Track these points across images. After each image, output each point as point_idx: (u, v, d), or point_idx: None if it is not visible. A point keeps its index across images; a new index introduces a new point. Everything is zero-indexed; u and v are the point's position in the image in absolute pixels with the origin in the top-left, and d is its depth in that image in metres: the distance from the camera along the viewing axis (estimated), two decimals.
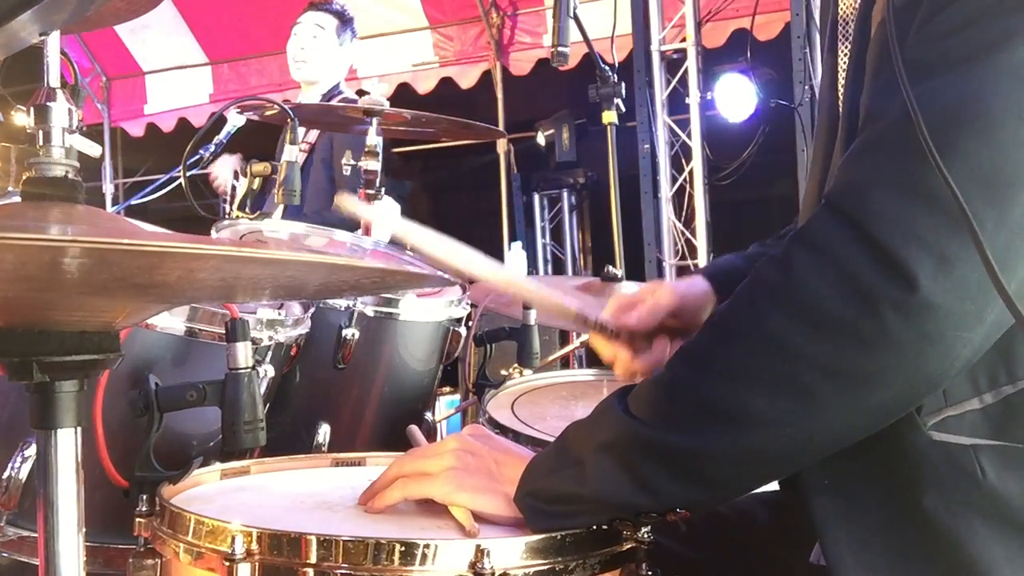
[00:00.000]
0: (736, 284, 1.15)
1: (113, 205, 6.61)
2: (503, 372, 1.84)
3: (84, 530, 0.80)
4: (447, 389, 3.67)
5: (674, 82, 5.34)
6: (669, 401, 0.86)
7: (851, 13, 1.00)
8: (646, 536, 0.88)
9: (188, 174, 2.17)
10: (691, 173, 5.28)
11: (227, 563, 0.81)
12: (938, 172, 0.71)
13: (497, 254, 6.50)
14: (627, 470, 0.86)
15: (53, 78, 0.80)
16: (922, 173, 0.74)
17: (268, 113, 2.33)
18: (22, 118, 0.81)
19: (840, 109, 0.98)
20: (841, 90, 0.99)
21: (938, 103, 0.76)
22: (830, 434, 0.83)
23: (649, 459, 0.86)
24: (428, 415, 2.06)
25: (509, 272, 1.16)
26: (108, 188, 7.74)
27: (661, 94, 5.34)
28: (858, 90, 0.92)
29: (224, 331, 1.16)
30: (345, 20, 3.64)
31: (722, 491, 0.90)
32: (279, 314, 1.54)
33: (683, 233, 5.33)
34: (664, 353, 1.16)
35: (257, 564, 0.82)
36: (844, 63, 1.00)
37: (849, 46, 0.98)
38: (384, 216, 3.36)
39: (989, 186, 0.75)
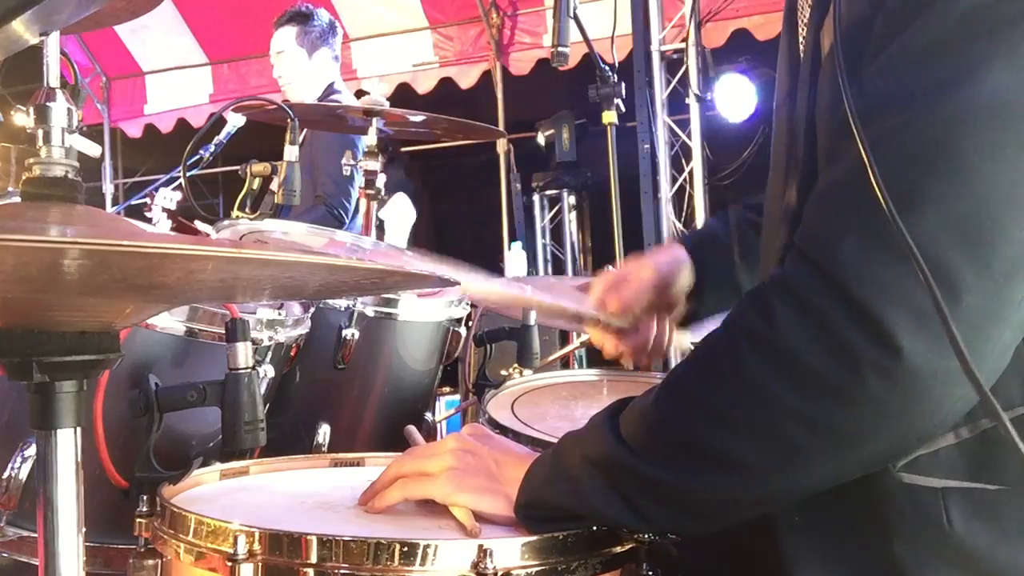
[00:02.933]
0: (712, 251, 1.17)
1: (113, 205, 6.61)
2: (503, 372, 1.84)
3: (84, 530, 0.80)
4: (447, 389, 3.67)
5: (674, 82, 5.34)
6: (655, 435, 0.85)
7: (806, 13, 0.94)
8: (646, 536, 0.88)
9: (188, 174, 2.17)
10: (691, 173, 5.29)
11: (229, 563, 0.81)
12: (896, 229, 0.67)
13: (497, 254, 6.51)
14: (617, 492, 0.86)
15: (53, 78, 0.80)
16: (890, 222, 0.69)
17: (254, 108, 2.33)
18: (22, 118, 0.81)
19: (796, 119, 0.95)
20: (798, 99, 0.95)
21: (904, 144, 0.72)
22: (813, 482, 0.81)
23: (635, 486, 0.85)
24: (428, 415, 2.06)
25: (498, 284, 1.20)
26: (108, 188, 7.75)
27: (661, 94, 5.34)
28: (812, 107, 0.88)
29: (224, 331, 1.16)
30: (305, 19, 3.56)
31: (708, 522, 0.88)
32: (279, 314, 1.54)
33: (683, 233, 5.33)
34: (648, 334, 1.21)
35: (259, 564, 0.81)
36: (803, 69, 0.95)
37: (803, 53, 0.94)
38: (399, 216, 3.37)
39: (966, 234, 0.70)
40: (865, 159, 0.70)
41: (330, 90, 3.56)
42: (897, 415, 0.74)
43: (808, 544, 0.87)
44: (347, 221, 3.34)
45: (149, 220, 2.91)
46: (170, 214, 2.97)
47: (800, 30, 0.98)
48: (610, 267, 2.09)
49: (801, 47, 0.97)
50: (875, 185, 0.68)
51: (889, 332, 0.71)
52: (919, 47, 0.74)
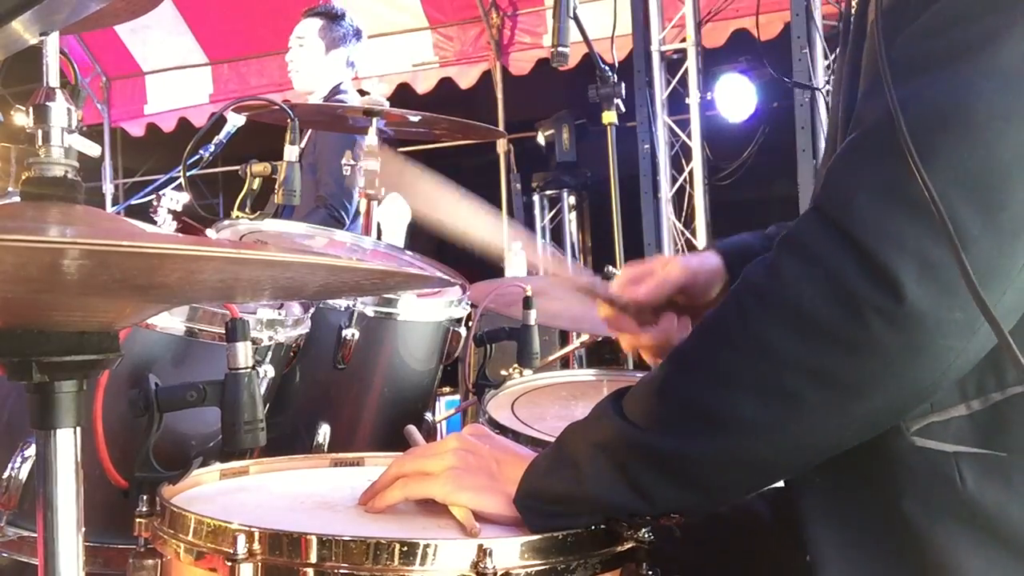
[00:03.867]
0: (748, 262, 1.15)
1: (113, 205, 6.61)
2: (503, 372, 1.84)
3: (83, 530, 0.80)
4: (447, 389, 3.67)
5: (674, 82, 5.34)
6: (659, 403, 0.86)
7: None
8: (646, 536, 0.88)
9: (188, 174, 2.17)
10: (691, 173, 5.29)
11: (229, 563, 0.81)
12: (917, 175, 0.70)
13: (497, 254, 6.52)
14: (621, 473, 0.86)
15: (53, 78, 0.80)
16: (906, 177, 0.73)
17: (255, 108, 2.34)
18: (22, 118, 0.81)
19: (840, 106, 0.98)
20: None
21: (921, 105, 0.75)
22: (820, 441, 0.82)
23: (640, 462, 0.85)
24: (428, 415, 2.06)
25: (524, 244, 1.16)
26: (108, 188, 7.75)
27: (661, 94, 5.34)
28: (855, 87, 0.91)
29: (224, 331, 1.16)
30: (332, 18, 3.59)
31: (714, 496, 0.89)
32: (279, 314, 1.54)
33: (683, 233, 5.33)
34: (671, 329, 1.15)
35: (259, 564, 0.81)
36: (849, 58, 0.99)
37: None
38: (395, 216, 3.39)
39: (974, 190, 0.73)
40: (892, 107, 0.72)
41: (336, 91, 3.57)
42: (898, 364, 0.76)
43: (823, 500, 0.88)
44: (348, 222, 3.35)
45: (154, 221, 2.92)
46: (175, 215, 2.99)
47: (852, 28, 1.01)
48: (610, 267, 2.10)
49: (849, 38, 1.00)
50: (899, 131, 0.71)
51: (895, 279, 0.73)
52: (945, 17, 0.78)
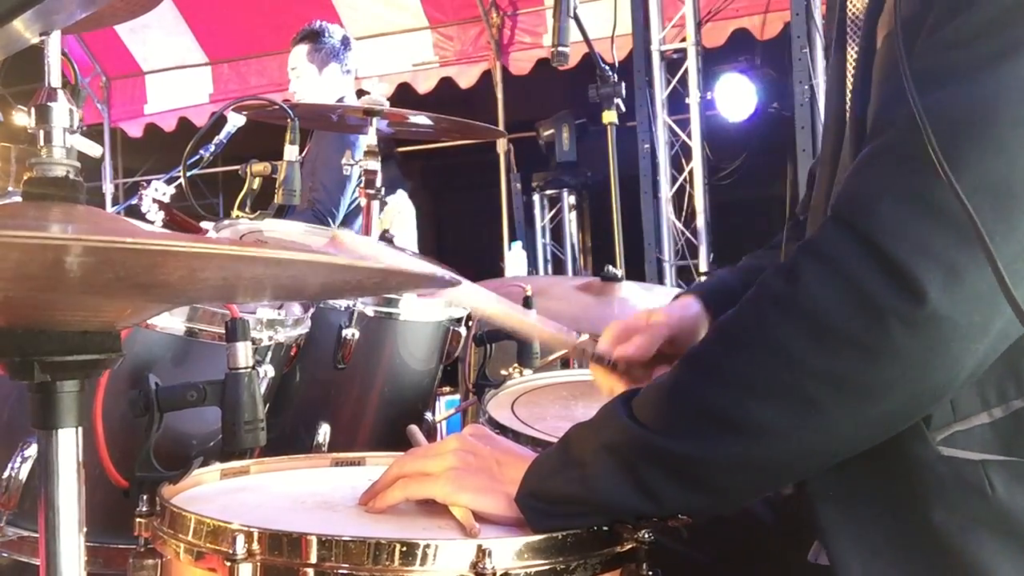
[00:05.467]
0: (729, 303, 1.16)
1: (113, 205, 6.61)
2: (503, 372, 1.84)
3: (84, 530, 0.80)
4: (447, 389, 3.67)
5: (674, 82, 5.34)
6: (672, 407, 0.86)
7: (860, 14, 0.99)
8: (647, 536, 0.88)
9: (188, 174, 2.17)
10: (691, 173, 5.29)
11: (228, 563, 0.81)
12: (947, 182, 0.71)
13: (497, 254, 6.51)
14: (630, 475, 0.86)
15: (54, 78, 0.80)
16: (929, 184, 0.74)
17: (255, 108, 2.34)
18: (23, 118, 0.81)
19: (847, 114, 0.98)
20: (849, 95, 0.98)
21: (945, 114, 0.76)
22: (835, 444, 0.83)
23: (651, 465, 0.85)
24: (428, 415, 2.06)
25: (504, 304, 1.18)
26: (108, 188, 7.75)
27: (661, 94, 5.34)
28: (865, 97, 0.91)
29: (224, 331, 1.16)
30: (316, 37, 3.62)
31: (725, 499, 0.89)
32: (279, 314, 1.54)
33: (683, 233, 5.34)
34: None
35: (258, 564, 0.81)
36: (852, 67, 0.99)
37: (856, 50, 0.98)
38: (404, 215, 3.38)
39: (997, 198, 0.74)
40: (918, 115, 0.73)
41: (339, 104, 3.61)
42: (917, 368, 0.77)
43: (842, 513, 0.88)
44: (332, 226, 3.36)
45: (141, 211, 2.92)
46: (162, 206, 2.98)
47: (848, 36, 1.01)
48: (610, 267, 2.09)
49: (851, 53, 1.00)
50: (927, 139, 0.72)
51: (918, 285, 0.74)
52: (968, 30, 0.79)
